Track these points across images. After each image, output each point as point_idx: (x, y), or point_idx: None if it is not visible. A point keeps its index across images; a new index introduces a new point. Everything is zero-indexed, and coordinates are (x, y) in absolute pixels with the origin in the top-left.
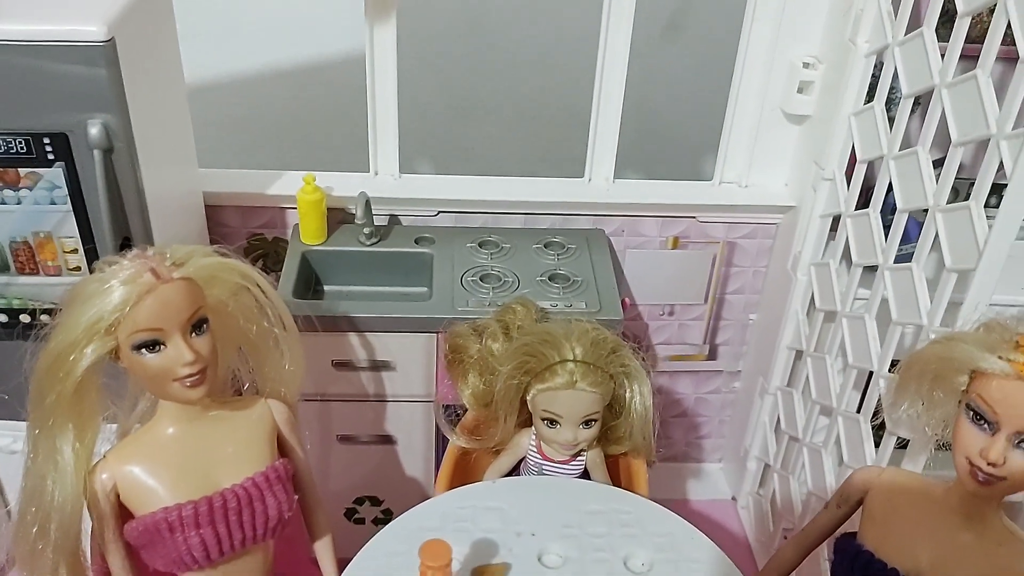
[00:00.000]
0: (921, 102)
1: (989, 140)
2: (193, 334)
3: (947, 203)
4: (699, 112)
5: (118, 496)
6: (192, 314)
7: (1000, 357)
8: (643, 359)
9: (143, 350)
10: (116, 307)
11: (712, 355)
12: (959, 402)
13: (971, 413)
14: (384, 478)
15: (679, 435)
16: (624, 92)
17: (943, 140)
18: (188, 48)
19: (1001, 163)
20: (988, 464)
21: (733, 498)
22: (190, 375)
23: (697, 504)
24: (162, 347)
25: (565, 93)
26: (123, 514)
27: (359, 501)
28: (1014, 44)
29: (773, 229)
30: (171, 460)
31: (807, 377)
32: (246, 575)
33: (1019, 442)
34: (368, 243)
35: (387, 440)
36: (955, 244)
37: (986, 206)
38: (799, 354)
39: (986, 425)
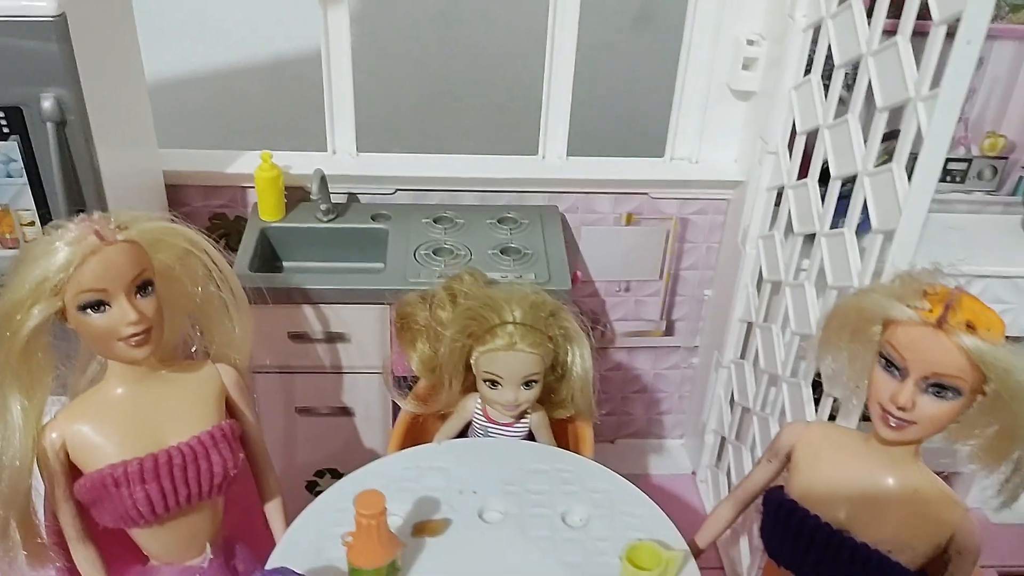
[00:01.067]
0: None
1: (908, 103)
2: (138, 295)
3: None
4: (663, 94)
5: (67, 455)
6: (136, 275)
7: (908, 305)
8: (584, 323)
9: (88, 310)
10: (60, 267)
11: (669, 331)
12: (876, 352)
13: (883, 361)
14: (343, 450)
15: (640, 411)
16: (575, 71)
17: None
18: (157, 45)
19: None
20: (898, 409)
21: (693, 472)
22: (134, 335)
23: (658, 479)
24: (107, 307)
25: (534, 82)
26: (73, 474)
27: (320, 474)
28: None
29: (724, 205)
30: (119, 419)
31: (757, 348)
32: (193, 532)
33: (927, 387)
34: (325, 220)
35: (345, 412)
36: (880, 206)
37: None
38: (750, 326)
39: (896, 372)
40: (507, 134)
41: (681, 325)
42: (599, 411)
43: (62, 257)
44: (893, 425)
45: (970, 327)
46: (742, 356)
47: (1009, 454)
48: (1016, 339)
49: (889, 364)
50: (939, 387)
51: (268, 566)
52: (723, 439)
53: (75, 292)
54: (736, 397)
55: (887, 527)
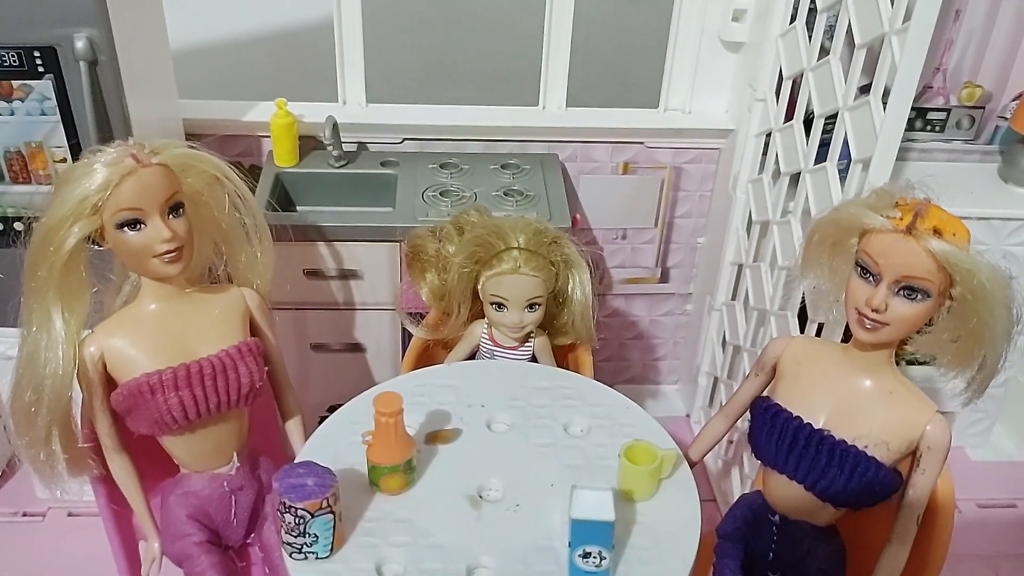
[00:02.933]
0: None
1: (884, 39)
2: (170, 215)
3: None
4: (658, 49)
5: (105, 367)
6: (169, 197)
7: (881, 215)
8: (583, 253)
9: (125, 228)
10: (100, 187)
11: (664, 278)
12: (853, 263)
13: (859, 269)
14: (355, 386)
15: (636, 357)
16: (575, 28)
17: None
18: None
19: None
20: (872, 311)
21: (687, 415)
22: (168, 252)
23: None
24: (142, 226)
25: (535, 42)
26: (110, 387)
27: (332, 409)
28: None
29: (716, 155)
30: (152, 333)
31: (747, 289)
32: (221, 441)
33: (899, 290)
34: (337, 166)
35: (357, 348)
36: (858, 135)
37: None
38: (740, 269)
39: (871, 278)
40: (509, 90)
41: (676, 272)
42: (597, 358)
43: (101, 177)
44: (868, 327)
45: (937, 232)
46: (733, 298)
47: (975, 355)
48: None
49: (864, 271)
50: (909, 289)
51: None
52: (715, 380)
53: (113, 211)
54: (728, 337)
55: (864, 426)
